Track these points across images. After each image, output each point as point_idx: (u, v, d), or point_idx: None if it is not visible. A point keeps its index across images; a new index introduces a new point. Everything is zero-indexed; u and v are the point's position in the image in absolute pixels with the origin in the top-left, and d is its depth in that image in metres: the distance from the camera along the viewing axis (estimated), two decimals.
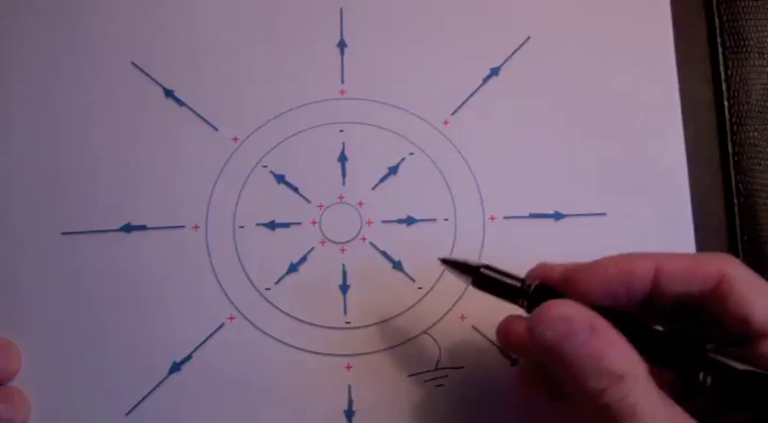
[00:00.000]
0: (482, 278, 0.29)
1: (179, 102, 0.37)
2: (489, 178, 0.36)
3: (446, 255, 0.35)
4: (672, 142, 0.37)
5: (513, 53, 0.38)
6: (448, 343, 0.35)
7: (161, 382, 0.34)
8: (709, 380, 0.25)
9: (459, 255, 0.35)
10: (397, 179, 0.37)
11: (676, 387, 0.27)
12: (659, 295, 0.27)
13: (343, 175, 0.37)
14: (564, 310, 0.26)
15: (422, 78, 0.38)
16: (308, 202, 0.36)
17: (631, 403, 0.24)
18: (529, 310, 0.28)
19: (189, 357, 0.34)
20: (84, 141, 0.37)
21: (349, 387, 0.34)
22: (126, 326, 0.35)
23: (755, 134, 0.37)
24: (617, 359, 0.25)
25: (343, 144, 0.37)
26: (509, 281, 0.29)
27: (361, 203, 0.36)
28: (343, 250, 0.36)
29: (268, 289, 0.35)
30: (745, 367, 0.25)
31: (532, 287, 0.28)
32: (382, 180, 0.36)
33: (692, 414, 0.24)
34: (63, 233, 0.36)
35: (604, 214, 0.36)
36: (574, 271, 0.28)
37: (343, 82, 0.38)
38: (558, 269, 0.28)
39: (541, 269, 0.29)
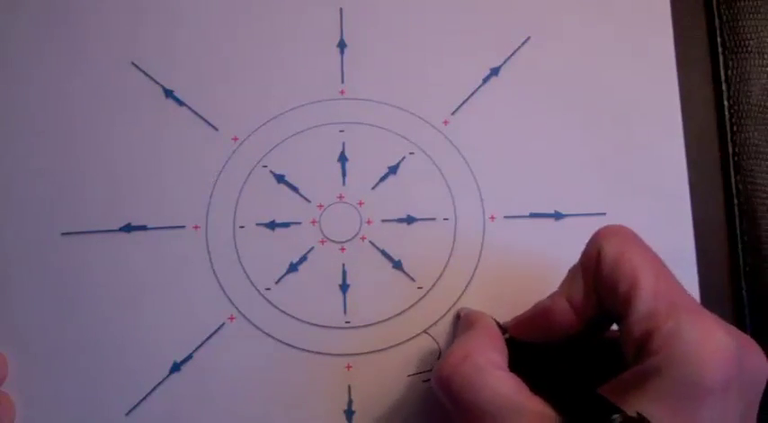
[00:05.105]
0: None
1: (179, 102, 0.37)
2: (489, 178, 0.36)
3: (446, 255, 0.35)
4: (672, 142, 0.37)
5: (513, 53, 0.38)
6: (448, 343, 0.35)
7: (161, 382, 0.34)
8: None
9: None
10: (396, 179, 0.36)
11: None
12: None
13: (344, 174, 0.37)
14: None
15: (422, 78, 0.38)
16: (308, 201, 0.36)
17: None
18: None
19: (189, 357, 0.34)
20: (84, 141, 0.37)
21: (349, 387, 0.34)
22: (126, 326, 0.35)
23: (755, 134, 0.37)
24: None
25: (344, 144, 0.37)
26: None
27: (360, 203, 0.36)
28: (342, 250, 0.36)
29: (268, 289, 0.35)
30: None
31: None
32: (382, 180, 0.36)
33: None
34: (63, 233, 0.36)
35: (604, 214, 0.36)
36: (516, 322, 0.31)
37: (343, 82, 0.38)
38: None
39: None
